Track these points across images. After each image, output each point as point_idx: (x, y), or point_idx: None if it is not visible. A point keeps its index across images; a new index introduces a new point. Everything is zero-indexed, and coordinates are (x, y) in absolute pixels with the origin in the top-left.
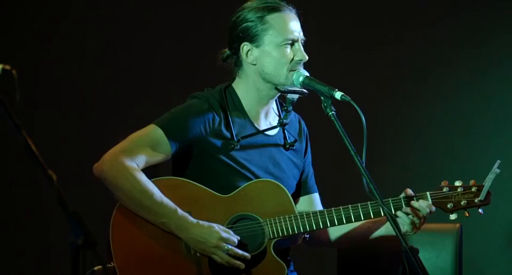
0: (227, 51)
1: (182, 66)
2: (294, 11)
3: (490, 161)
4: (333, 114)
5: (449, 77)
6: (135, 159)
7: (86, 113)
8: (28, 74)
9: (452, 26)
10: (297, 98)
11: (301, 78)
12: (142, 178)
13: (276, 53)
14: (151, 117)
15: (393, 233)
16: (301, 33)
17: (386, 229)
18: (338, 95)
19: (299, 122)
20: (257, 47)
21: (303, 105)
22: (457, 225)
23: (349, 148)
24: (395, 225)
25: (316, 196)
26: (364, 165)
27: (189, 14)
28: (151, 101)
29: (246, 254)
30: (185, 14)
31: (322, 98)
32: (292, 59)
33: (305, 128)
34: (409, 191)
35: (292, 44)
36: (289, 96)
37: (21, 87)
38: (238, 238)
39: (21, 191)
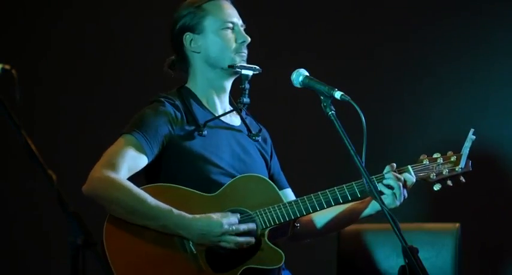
0: (172, 58)
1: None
2: (229, 0)
3: (487, 155)
4: (332, 114)
5: (449, 76)
6: (118, 171)
7: (86, 113)
8: (28, 74)
9: (452, 25)
10: (251, 75)
11: (300, 78)
12: (132, 186)
13: (217, 37)
14: None
15: (378, 209)
16: (240, 20)
17: (371, 209)
18: (338, 94)
19: (262, 127)
20: (199, 34)
21: (302, 105)
22: (457, 225)
23: (349, 147)
24: (395, 224)
25: (289, 190)
26: (363, 165)
27: None
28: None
29: (250, 225)
30: None
31: (321, 97)
32: (235, 41)
33: (268, 134)
34: (394, 166)
35: (232, 28)
36: (244, 72)
37: (21, 87)
38: (238, 215)
39: (20, 191)
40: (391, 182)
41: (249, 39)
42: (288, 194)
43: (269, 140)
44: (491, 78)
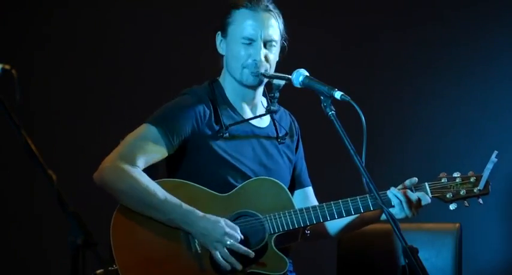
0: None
1: (178, 66)
2: (272, 12)
3: (488, 157)
4: (332, 114)
5: (447, 76)
6: (133, 161)
7: (85, 113)
8: (27, 74)
9: (450, 24)
10: (283, 84)
11: (300, 78)
12: (144, 178)
13: (234, 47)
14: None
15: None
16: (268, 36)
17: (384, 217)
18: (338, 94)
19: (291, 119)
20: (225, 37)
21: (301, 104)
22: (457, 225)
23: (349, 147)
24: (395, 224)
25: (310, 189)
26: (363, 165)
27: (183, 14)
28: (150, 98)
29: (249, 251)
30: (179, 14)
31: (321, 97)
32: (249, 57)
33: (297, 125)
34: (414, 179)
35: (250, 43)
36: (275, 82)
37: (21, 87)
38: (242, 236)
39: (20, 191)
40: (397, 194)
41: (261, 59)
42: (308, 193)
43: (296, 135)
44: (488, 77)
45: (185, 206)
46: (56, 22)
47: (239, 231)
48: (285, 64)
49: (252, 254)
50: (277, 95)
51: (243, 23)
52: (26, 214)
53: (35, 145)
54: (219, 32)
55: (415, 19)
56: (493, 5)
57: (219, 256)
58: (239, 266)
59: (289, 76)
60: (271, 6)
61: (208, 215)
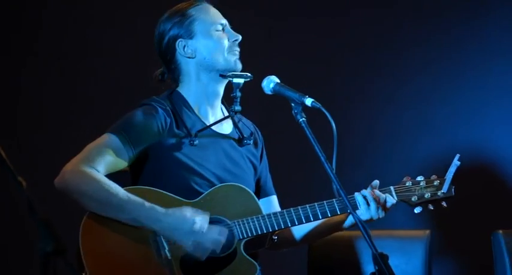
0: (160, 69)
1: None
2: (205, 2)
3: (461, 161)
4: (303, 120)
5: (415, 81)
6: (95, 165)
7: (57, 116)
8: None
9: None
10: (243, 83)
11: (271, 85)
12: (104, 179)
13: (209, 39)
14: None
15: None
16: (225, 20)
17: (350, 221)
18: (309, 101)
19: (254, 128)
20: (191, 38)
21: (273, 110)
22: (427, 231)
23: (319, 154)
24: (365, 231)
25: (274, 198)
26: (334, 171)
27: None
28: (125, 106)
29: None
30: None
31: (292, 104)
32: (227, 41)
33: (260, 135)
34: (376, 182)
35: (222, 29)
36: (235, 81)
37: None
38: (209, 214)
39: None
40: (364, 192)
41: (240, 37)
42: (273, 202)
43: (260, 144)
44: (458, 84)
45: (148, 204)
46: (37, 27)
47: (206, 213)
48: (259, 69)
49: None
50: (238, 94)
51: (208, 14)
52: (7, 220)
53: (5, 150)
54: (180, 39)
55: (380, 25)
56: (462, 14)
57: (193, 248)
58: (219, 250)
59: (248, 73)
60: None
61: (172, 209)
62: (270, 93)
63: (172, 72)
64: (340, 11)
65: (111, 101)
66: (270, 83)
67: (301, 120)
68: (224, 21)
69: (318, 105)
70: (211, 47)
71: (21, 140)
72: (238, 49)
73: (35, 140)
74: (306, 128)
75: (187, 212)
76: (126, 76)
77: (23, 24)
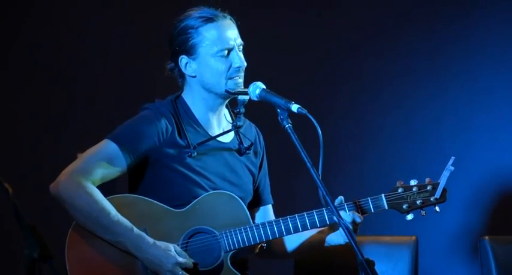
0: (171, 63)
1: (144, 77)
2: (228, 17)
3: (444, 163)
4: (289, 126)
5: (402, 87)
6: (90, 177)
7: (44, 124)
8: None
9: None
10: (248, 99)
11: (257, 91)
12: (99, 196)
13: (212, 63)
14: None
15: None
16: (238, 40)
17: (341, 238)
18: (295, 107)
19: (256, 133)
20: (194, 59)
21: (260, 117)
22: (413, 237)
23: (305, 160)
24: (351, 237)
25: (270, 207)
26: (320, 177)
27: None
28: (114, 111)
29: None
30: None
31: (278, 110)
32: (230, 66)
33: (262, 141)
34: (340, 198)
35: (228, 53)
36: (240, 97)
37: None
38: (192, 263)
39: None
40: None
41: (245, 64)
42: (268, 211)
43: (261, 152)
44: (443, 87)
45: (136, 231)
46: (17, 31)
47: (189, 259)
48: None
49: None
50: (242, 110)
51: (215, 37)
52: None
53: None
54: (184, 56)
55: (371, 30)
56: (448, 19)
57: None
58: None
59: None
60: (226, 12)
61: (159, 243)
62: (256, 99)
63: (177, 74)
64: (324, 18)
65: (111, 103)
66: (256, 89)
67: (287, 126)
68: (232, 43)
69: (304, 111)
70: (212, 72)
71: (21, 142)
72: (240, 75)
73: (35, 142)
74: (291, 134)
75: (173, 248)
76: (126, 76)
77: (26, 20)
